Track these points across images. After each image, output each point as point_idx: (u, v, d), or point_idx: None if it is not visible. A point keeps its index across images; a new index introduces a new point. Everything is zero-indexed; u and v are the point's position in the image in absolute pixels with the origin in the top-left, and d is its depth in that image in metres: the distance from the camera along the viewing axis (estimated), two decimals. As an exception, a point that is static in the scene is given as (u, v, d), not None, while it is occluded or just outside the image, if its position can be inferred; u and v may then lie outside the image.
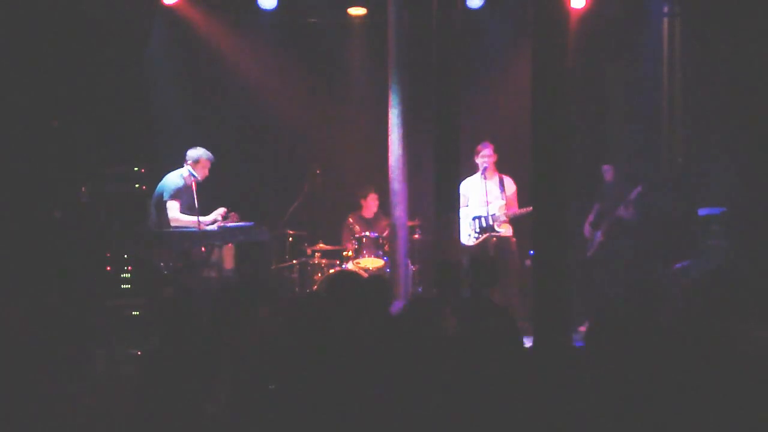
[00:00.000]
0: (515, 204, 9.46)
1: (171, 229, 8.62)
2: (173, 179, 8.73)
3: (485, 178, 9.42)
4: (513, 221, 9.44)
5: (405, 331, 4.07)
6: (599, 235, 9.86)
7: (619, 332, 4.38)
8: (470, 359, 3.80)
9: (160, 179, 8.77)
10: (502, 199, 9.40)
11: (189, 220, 8.61)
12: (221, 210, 8.77)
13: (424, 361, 3.85)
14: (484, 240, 9.33)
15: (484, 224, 9.36)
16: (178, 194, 8.68)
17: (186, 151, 8.78)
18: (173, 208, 8.66)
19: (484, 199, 9.35)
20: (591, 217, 10.02)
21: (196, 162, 8.73)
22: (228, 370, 4.15)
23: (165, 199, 8.66)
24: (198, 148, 8.79)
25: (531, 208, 9.16)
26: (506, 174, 9.54)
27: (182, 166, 8.77)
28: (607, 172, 9.97)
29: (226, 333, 4.33)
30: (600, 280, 9.49)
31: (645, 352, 3.70)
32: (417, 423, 3.69)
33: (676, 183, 10.26)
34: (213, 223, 8.69)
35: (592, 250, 9.79)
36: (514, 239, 9.42)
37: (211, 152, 8.84)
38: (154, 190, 8.74)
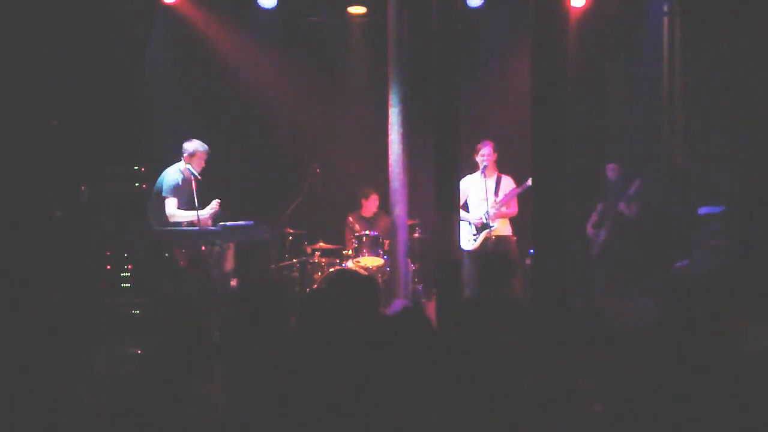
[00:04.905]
0: (515, 203, 9.45)
1: (171, 228, 8.62)
2: (172, 174, 8.71)
3: (485, 177, 9.42)
4: (513, 220, 9.45)
5: (397, 333, 4.05)
6: (603, 234, 9.87)
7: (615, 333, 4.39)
8: (484, 357, 3.79)
9: (159, 175, 8.78)
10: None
11: (187, 215, 8.59)
12: (215, 202, 8.74)
13: (418, 361, 3.83)
14: (484, 241, 9.32)
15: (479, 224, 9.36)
16: (176, 190, 8.67)
17: (183, 144, 8.79)
18: (171, 205, 8.65)
19: (484, 197, 9.34)
20: (594, 217, 10.03)
21: (192, 155, 8.71)
22: (227, 367, 4.13)
23: (163, 195, 8.65)
24: (193, 140, 8.78)
25: (516, 188, 9.23)
26: (506, 173, 9.54)
27: (180, 160, 8.78)
28: (612, 170, 9.97)
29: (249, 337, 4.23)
30: (604, 278, 9.52)
31: (643, 351, 3.70)
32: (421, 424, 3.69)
33: (676, 182, 10.26)
34: (210, 216, 8.68)
35: (597, 248, 9.81)
36: (514, 238, 9.43)
37: (211, 151, 8.84)
38: (153, 187, 8.75)
